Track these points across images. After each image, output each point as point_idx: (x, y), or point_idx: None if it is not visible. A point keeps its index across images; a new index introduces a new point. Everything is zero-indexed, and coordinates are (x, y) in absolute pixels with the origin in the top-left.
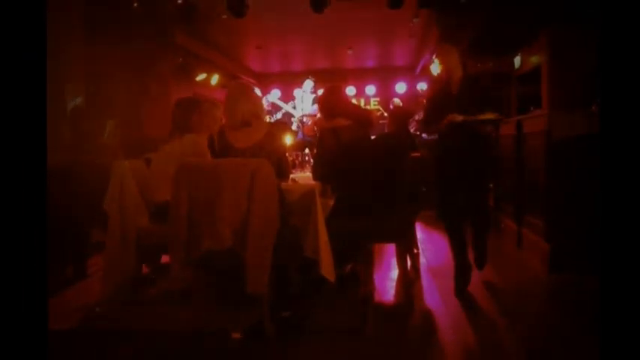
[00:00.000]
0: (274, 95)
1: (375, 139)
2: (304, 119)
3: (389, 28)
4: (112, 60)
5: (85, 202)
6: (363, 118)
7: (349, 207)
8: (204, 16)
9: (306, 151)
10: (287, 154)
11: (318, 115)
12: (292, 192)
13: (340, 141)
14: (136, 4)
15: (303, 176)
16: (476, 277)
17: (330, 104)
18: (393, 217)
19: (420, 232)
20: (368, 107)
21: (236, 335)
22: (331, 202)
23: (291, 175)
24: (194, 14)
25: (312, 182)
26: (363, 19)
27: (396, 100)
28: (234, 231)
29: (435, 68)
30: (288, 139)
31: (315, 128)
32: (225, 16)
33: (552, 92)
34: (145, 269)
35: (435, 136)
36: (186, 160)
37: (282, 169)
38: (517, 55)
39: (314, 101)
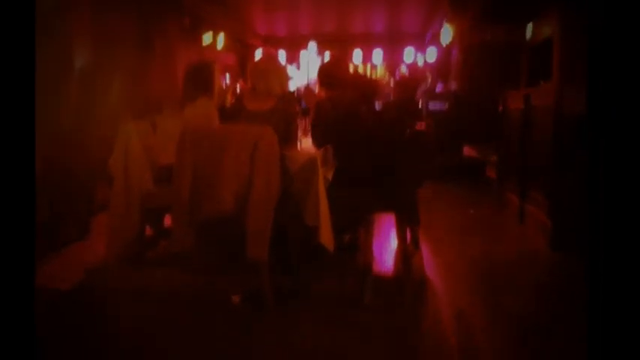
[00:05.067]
0: (279, 57)
1: (376, 109)
2: (311, 86)
3: None
4: (118, 20)
5: (91, 162)
6: (366, 87)
7: (350, 177)
8: None
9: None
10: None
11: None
12: (294, 160)
13: (337, 111)
14: None
15: (308, 141)
16: (476, 250)
17: (329, 75)
18: (393, 187)
19: (422, 204)
20: (375, 74)
21: (235, 300)
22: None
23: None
24: None
25: (315, 151)
26: None
27: (403, 68)
28: (235, 197)
29: (445, 35)
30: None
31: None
32: None
33: (563, 65)
34: (148, 231)
35: (444, 106)
36: (191, 125)
37: (291, 135)
38: (529, 24)
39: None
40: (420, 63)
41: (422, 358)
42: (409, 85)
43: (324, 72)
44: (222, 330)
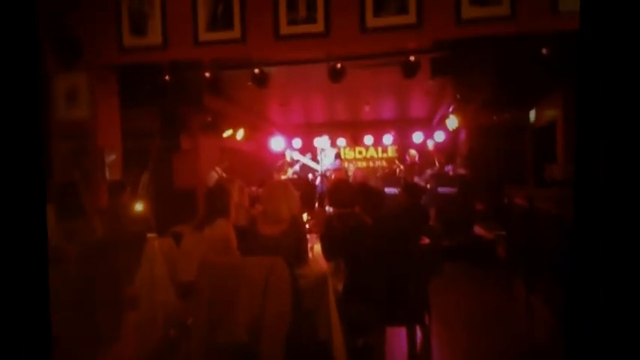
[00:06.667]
0: (296, 144)
1: (383, 222)
2: (327, 173)
3: (405, 87)
4: (146, 121)
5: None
6: (370, 201)
7: (359, 290)
8: (230, 83)
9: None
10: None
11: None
12: (306, 277)
13: (344, 227)
14: (167, 77)
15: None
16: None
17: (336, 195)
18: (402, 301)
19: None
20: (386, 156)
21: None
22: (341, 284)
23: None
24: (221, 86)
25: (325, 265)
26: (380, 81)
27: (412, 152)
28: (248, 327)
29: (451, 123)
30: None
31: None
32: (250, 83)
33: (568, 148)
34: (171, 331)
35: (452, 190)
36: (209, 256)
37: (301, 253)
38: (533, 108)
39: (336, 156)
40: (429, 146)
41: None
42: (417, 191)
43: (332, 193)
44: None
